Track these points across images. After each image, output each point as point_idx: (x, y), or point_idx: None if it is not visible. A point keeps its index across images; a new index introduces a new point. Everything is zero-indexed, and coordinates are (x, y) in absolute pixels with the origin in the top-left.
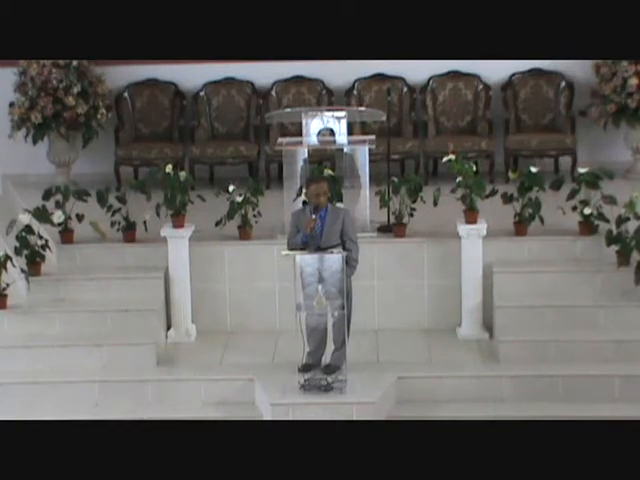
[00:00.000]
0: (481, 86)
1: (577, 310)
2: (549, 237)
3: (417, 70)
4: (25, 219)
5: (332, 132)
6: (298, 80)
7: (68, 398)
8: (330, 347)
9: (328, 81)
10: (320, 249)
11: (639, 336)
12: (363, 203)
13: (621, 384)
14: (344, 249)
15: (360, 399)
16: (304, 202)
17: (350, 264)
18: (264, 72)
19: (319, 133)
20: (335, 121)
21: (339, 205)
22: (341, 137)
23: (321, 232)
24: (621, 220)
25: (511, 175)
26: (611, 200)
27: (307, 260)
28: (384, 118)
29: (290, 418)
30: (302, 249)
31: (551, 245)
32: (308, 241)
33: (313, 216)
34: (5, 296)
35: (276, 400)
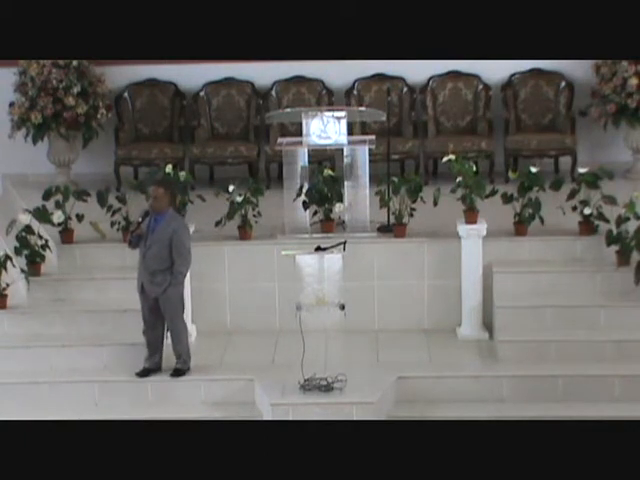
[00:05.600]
0: (481, 86)
1: (577, 310)
2: (549, 237)
3: (417, 70)
4: (25, 219)
5: None
6: (298, 80)
7: (68, 398)
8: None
9: (328, 81)
10: (320, 249)
11: (639, 336)
12: (363, 203)
13: (621, 384)
14: (172, 259)
15: (360, 399)
16: (304, 202)
17: (174, 275)
18: (264, 72)
19: None
20: (335, 121)
21: (180, 217)
22: (341, 137)
23: (148, 236)
24: (621, 220)
25: (511, 175)
26: (611, 200)
27: (307, 260)
28: (384, 118)
29: (290, 418)
30: (133, 248)
31: (551, 245)
32: (133, 241)
33: (140, 219)
34: (5, 296)
35: (276, 400)
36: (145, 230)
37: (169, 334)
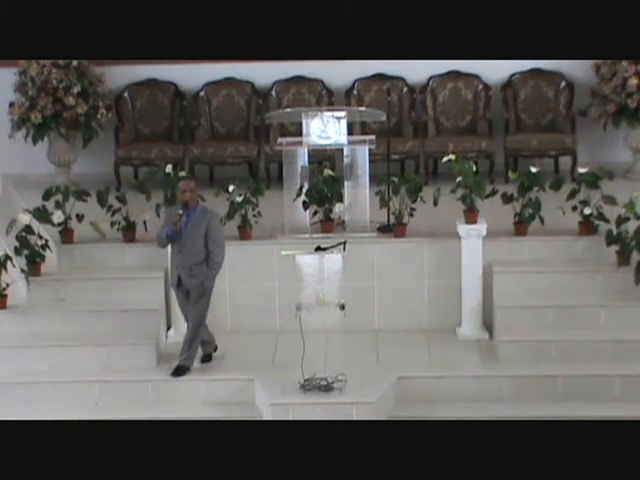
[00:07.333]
0: (481, 86)
1: (577, 310)
2: (549, 237)
3: (417, 70)
4: (25, 219)
5: None
6: (298, 80)
7: (68, 398)
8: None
9: (328, 81)
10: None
11: (639, 336)
12: (363, 203)
13: (621, 384)
14: (207, 250)
15: (360, 399)
16: (304, 202)
17: (211, 266)
18: (264, 72)
19: None
20: (335, 121)
21: (211, 208)
22: (341, 137)
23: (184, 229)
24: (621, 220)
25: (511, 175)
26: (611, 200)
27: (307, 260)
28: (384, 118)
29: (290, 418)
30: (169, 243)
31: (551, 245)
32: (172, 236)
33: (180, 211)
34: (5, 296)
35: (276, 400)
36: (180, 226)
37: (188, 326)
